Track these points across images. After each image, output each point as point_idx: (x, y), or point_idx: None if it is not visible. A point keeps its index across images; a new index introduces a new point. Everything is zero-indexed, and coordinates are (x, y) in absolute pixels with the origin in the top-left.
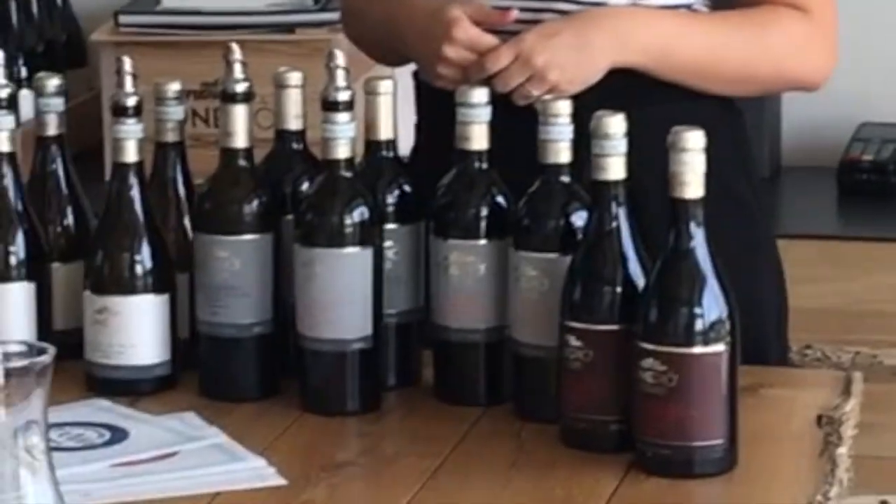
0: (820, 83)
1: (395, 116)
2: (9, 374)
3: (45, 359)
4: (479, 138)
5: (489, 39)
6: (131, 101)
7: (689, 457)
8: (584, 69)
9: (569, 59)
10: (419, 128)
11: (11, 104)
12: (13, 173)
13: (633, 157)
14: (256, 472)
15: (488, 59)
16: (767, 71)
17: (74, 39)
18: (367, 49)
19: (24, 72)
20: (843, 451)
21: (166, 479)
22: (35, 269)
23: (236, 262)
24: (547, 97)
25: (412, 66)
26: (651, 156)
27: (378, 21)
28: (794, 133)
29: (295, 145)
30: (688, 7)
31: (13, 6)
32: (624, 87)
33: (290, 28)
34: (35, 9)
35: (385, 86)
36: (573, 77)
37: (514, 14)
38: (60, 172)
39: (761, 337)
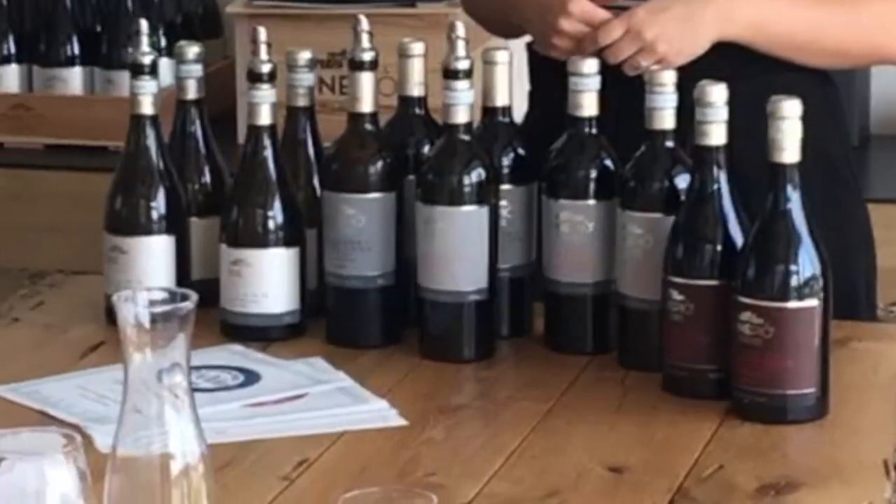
0: None
1: (511, 84)
2: (154, 318)
3: (188, 305)
4: (589, 105)
5: (602, 13)
6: (266, 68)
7: (783, 404)
8: (691, 42)
9: (676, 33)
10: (532, 95)
11: (153, 70)
12: (155, 134)
13: (734, 125)
14: (380, 413)
15: (601, 32)
16: (862, 47)
17: (210, 11)
18: (484, 22)
19: (163, 41)
20: None
21: (296, 419)
22: (175, 224)
23: (362, 218)
24: (654, 68)
25: (526, 38)
26: (751, 123)
27: None
28: (883, 103)
29: (417, 110)
30: None
31: None
32: (726, 59)
33: (411, 2)
34: None
35: (502, 56)
36: (680, 50)
37: None
38: (199, 134)
39: (851, 293)
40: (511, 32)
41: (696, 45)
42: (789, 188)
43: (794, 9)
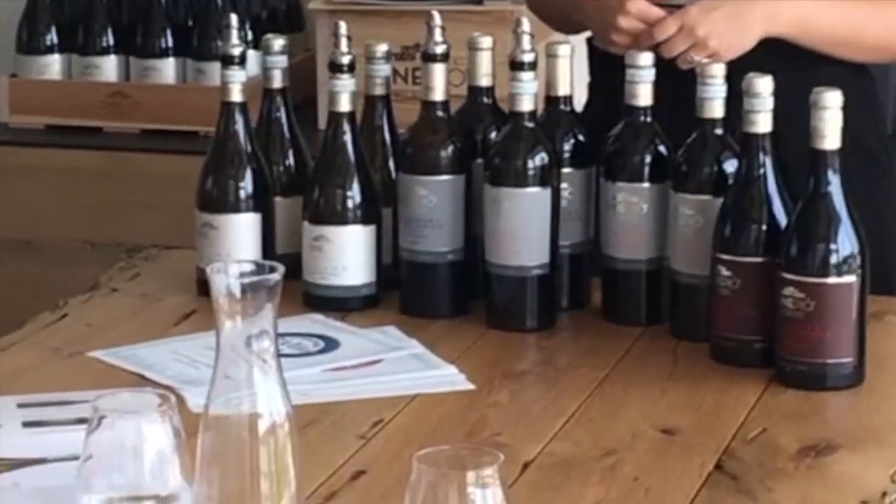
0: None
1: (572, 76)
2: (244, 289)
3: (276, 276)
4: (644, 95)
5: (658, 12)
6: (346, 59)
7: (822, 372)
8: (740, 39)
9: (727, 30)
10: (592, 86)
11: (242, 61)
12: (244, 120)
13: (779, 114)
14: (449, 378)
15: (657, 29)
16: None
17: (293, 7)
18: (547, 18)
19: (250, 35)
20: None
21: (372, 383)
22: (261, 202)
23: (433, 198)
24: (705, 61)
25: (586, 34)
26: (794, 113)
27: None
28: None
29: (485, 99)
30: None
31: None
32: (772, 54)
33: (478, 0)
34: None
35: (564, 49)
36: (730, 45)
37: None
38: (283, 120)
39: (887, 270)
40: (572, 29)
41: (744, 41)
42: (830, 172)
43: (836, 7)
